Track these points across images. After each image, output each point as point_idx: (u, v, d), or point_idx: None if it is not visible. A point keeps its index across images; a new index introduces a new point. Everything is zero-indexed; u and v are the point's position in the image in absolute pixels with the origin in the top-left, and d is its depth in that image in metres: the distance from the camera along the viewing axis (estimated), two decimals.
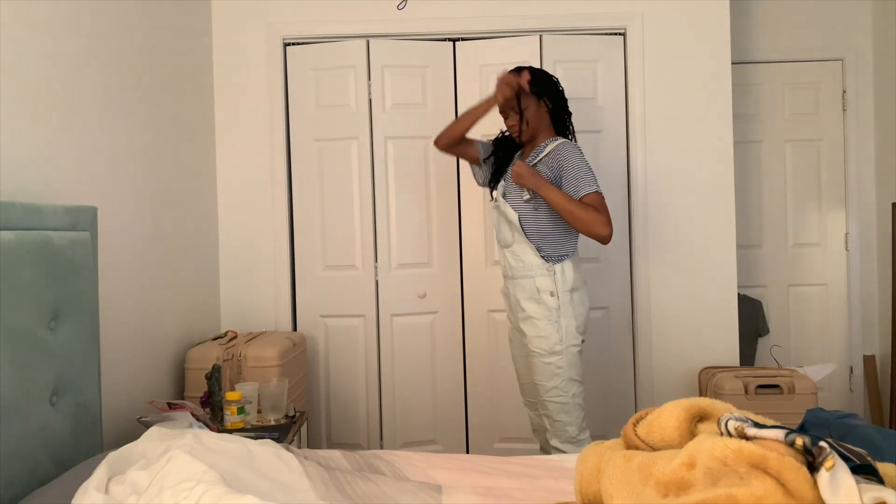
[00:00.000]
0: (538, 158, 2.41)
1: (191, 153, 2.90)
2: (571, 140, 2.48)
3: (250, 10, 3.16)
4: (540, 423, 2.50)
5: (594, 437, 2.56)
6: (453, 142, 2.60)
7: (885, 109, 3.62)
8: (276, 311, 3.19)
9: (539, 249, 2.37)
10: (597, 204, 2.27)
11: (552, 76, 2.50)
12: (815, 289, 3.79)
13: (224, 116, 3.17)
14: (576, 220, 2.27)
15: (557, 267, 2.36)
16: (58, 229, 1.66)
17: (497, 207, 2.49)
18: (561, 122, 2.49)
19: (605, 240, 2.26)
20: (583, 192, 2.27)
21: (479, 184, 2.68)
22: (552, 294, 2.34)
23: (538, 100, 2.43)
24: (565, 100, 2.50)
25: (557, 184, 2.32)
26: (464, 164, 3.21)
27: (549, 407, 2.37)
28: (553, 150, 2.37)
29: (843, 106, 3.74)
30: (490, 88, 3.14)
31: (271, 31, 3.16)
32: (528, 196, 2.38)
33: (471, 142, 2.62)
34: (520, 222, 2.38)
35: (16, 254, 1.47)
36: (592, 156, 2.98)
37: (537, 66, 3.13)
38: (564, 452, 2.33)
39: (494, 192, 2.52)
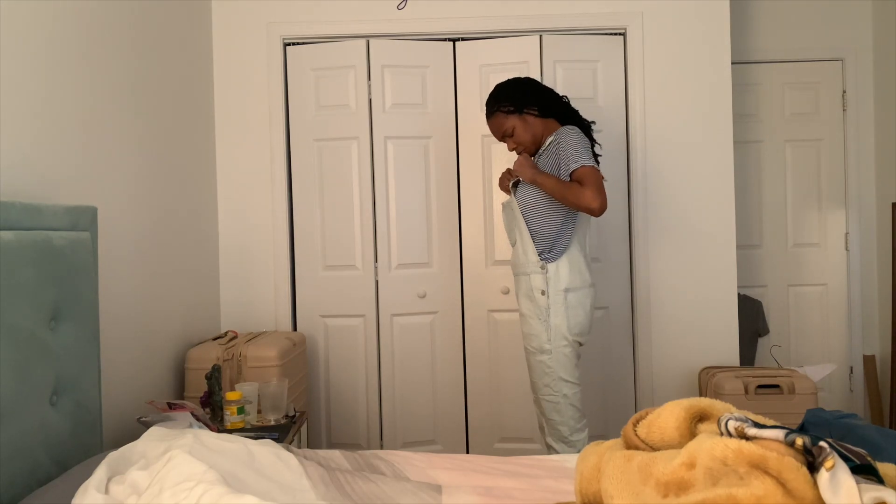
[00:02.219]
0: (540, 155, 2.44)
1: (191, 153, 2.90)
2: (582, 121, 2.49)
3: (250, 10, 3.16)
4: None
5: (594, 438, 2.56)
6: None
7: (885, 109, 3.62)
8: (276, 311, 3.19)
9: (536, 246, 2.39)
10: (584, 177, 2.23)
11: (521, 80, 2.48)
12: (815, 289, 3.79)
13: (224, 116, 3.17)
14: (565, 199, 2.27)
15: (551, 266, 2.37)
16: (58, 229, 1.66)
17: (506, 205, 2.50)
18: (559, 113, 2.47)
19: (595, 212, 2.21)
20: (572, 168, 2.26)
21: None
22: (543, 293, 2.36)
23: (519, 115, 2.42)
24: (547, 91, 2.48)
25: (557, 170, 2.33)
26: (464, 164, 3.21)
27: (542, 405, 2.39)
28: (551, 142, 2.40)
29: (843, 106, 3.74)
30: (489, 88, 3.16)
31: (271, 31, 3.16)
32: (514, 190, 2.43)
33: None
34: (525, 220, 2.40)
35: (16, 254, 1.47)
36: None
37: (537, 66, 3.14)
38: (556, 451, 2.35)
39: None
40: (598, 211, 2.21)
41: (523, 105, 2.41)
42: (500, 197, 3.17)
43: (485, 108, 2.50)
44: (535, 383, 2.40)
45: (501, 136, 2.47)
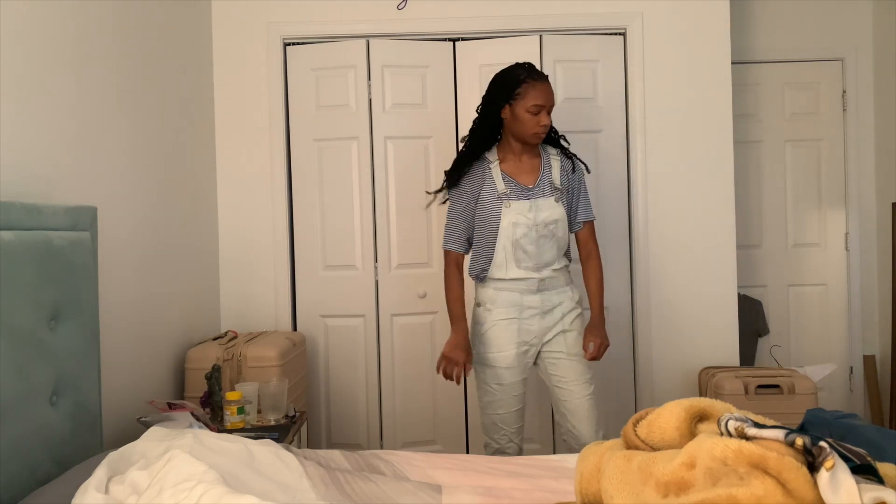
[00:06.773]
0: (555, 165, 2.37)
1: (191, 153, 2.90)
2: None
3: (250, 10, 3.16)
4: None
5: None
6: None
7: (885, 109, 3.62)
8: (276, 311, 3.18)
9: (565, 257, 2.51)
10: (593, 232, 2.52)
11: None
12: (815, 289, 3.78)
13: (224, 116, 3.17)
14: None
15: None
16: (58, 229, 1.66)
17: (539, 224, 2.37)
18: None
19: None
20: (591, 218, 2.47)
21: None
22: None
23: None
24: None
25: (572, 195, 2.40)
26: None
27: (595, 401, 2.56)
28: (571, 168, 2.38)
29: (843, 106, 3.74)
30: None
31: (271, 31, 3.16)
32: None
33: (466, 239, 2.50)
34: (560, 231, 2.42)
35: (16, 254, 1.47)
36: (592, 156, 2.98)
37: (537, 65, 3.13)
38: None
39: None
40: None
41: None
42: None
43: (542, 71, 2.32)
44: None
45: (550, 107, 2.28)
